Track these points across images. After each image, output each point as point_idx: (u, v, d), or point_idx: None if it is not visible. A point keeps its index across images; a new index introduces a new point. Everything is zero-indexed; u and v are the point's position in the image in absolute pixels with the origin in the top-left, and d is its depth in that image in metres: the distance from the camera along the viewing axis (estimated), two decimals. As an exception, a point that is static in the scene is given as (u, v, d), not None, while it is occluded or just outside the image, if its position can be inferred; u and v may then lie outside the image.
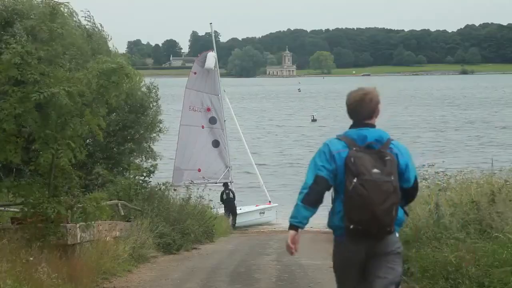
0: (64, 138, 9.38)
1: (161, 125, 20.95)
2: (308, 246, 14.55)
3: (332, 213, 5.10)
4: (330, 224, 5.15)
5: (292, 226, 5.05)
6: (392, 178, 4.90)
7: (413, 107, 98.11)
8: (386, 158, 4.94)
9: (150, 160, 19.88)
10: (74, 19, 17.23)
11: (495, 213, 9.11)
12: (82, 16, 18.81)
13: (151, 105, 20.45)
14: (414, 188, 5.13)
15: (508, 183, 10.22)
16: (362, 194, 4.85)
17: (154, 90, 20.87)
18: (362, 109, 5.13)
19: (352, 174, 4.89)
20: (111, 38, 19.39)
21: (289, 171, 42.84)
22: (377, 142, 5.06)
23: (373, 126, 5.14)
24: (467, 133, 62.98)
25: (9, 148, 9.40)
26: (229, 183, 27.98)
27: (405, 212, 5.18)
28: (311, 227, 17.57)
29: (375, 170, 4.89)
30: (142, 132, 19.89)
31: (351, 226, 4.91)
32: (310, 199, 5.02)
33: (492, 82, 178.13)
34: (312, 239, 17.56)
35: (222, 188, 27.53)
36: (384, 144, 5.05)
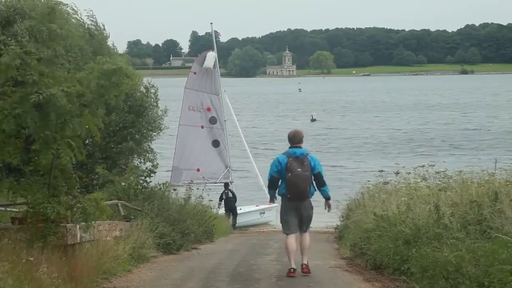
0: (63, 138, 9.37)
1: (162, 125, 20.90)
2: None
3: (280, 189, 10.56)
4: (279, 193, 10.65)
5: (270, 198, 10.92)
6: (307, 173, 10.40)
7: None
8: (305, 163, 10.43)
9: (148, 163, 19.82)
10: (76, 16, 17.19)
11: (496, 213, 9.10)
12: (85, 16, 18.78)
13: (150, 105, 20.39)
14: (319, 175, 10.56)
15: (508, 183, 10.22)
16: (293, 181, 10.37)
17: (153, 90, 20.82)
18: (295, 139, 10.67)
19: (288, 171, 10.38)
20: (109, 36, 19.36)
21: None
22: (301, 155, 10.50)
23: (300, 147, 10.60)
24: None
25: (7, 149, 9.39)
26: (229, 183, 27.95)
27: (314, 188, 10.63)
28: (311, 227, 17.54)
29: (299, 169, 10.36)
30: (143, 131, 19.85)
31: (288, 195, 10.48)
32: (270, 186, 10.73)
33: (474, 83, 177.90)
34: (312, 239, 17.53)
35: (223, 188, 27.51)
36: (304, 156, 10.49)
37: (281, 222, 10.80)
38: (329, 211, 11.09)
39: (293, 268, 10.48)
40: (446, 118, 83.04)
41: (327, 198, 10.82)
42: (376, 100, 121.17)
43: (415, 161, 28.90)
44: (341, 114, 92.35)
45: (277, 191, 10.68)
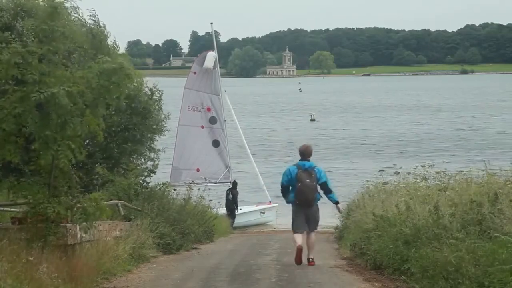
0: (64, 139, 9.37)
1: (163, 127, 20.85)
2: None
3: (290, 196, 12.27)
4: (289, 201, 12.38)
5: (287, 201, 12.57)
6: (314, 183, 12.08)
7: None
8: (312, 175, 12.07)
9: (150, 162, 19.80)
10: (77, 16, 17.12)
11: (496, 213, 9.09)
12: (87, 15, 18.70)
13: (153, 108, 20.32)
14: (324, 184, 12.25)
15: (508, 183, 10.21)
16: (302, 190, 12.02)
17: (157, 93, 20.75)
18: (305, 152, 12.32)
19: (298, 181, 12.03)
20: (110, 35, 19.28)
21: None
22: (309, 167, 12.15)
23: (309, 160, 12.26)
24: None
25: (8, 148, 9.39)
26: (237, 183, 27.81)
27: (320, 195, 12.29)
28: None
29: (307, 180, 12.02)
30: (145, 133, 19.81)
31: (297, 202, 12.15)
32: (283, 193, 12.42)
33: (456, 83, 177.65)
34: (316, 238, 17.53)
35: (224, 189, 27.50)
36: (312, 168, 12.14)
37: (292, 222, 12.49)
38: (340, 213, 13.23)
39: (300, 245, 12.06)
40: (439, 119, 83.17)
41: (336, 203, 12.68)
42: (372, 101, 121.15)
43: (405, 162, 28.93)
44: (338, 115, 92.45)
45: (288, 197, 12.34)
